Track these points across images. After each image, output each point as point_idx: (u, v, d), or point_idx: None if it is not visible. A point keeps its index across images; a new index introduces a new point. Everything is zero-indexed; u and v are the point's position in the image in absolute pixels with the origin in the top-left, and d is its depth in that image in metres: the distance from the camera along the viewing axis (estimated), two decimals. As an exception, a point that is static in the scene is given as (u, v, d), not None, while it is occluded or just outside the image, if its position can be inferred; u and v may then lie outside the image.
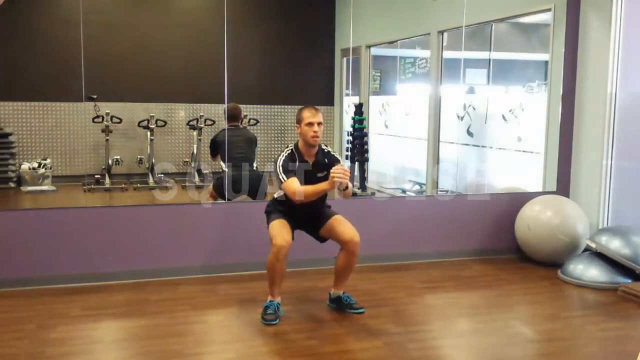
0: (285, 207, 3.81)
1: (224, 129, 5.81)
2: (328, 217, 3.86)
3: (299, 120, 3.78)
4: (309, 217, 3.84)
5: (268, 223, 3.82)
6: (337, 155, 3.90)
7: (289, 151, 3.81)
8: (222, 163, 5.65)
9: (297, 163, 3.77)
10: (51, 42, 7.62)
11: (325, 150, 3.88)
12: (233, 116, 5.87)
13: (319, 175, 3.77)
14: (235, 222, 4.81)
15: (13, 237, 4.35)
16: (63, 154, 7.71)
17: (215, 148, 5.83)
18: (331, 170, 3.58)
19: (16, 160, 7.49)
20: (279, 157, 3.78)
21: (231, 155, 5.60)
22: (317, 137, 3.73)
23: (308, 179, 3.73)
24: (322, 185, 3.65)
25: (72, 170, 7.66)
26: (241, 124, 6.09)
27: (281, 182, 3.72)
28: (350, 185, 3.71)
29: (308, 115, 3.73)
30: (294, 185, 3.65)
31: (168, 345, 3.43)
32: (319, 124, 3.73)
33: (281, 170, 3.72)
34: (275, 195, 3.89)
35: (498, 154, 6.59)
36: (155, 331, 3.65)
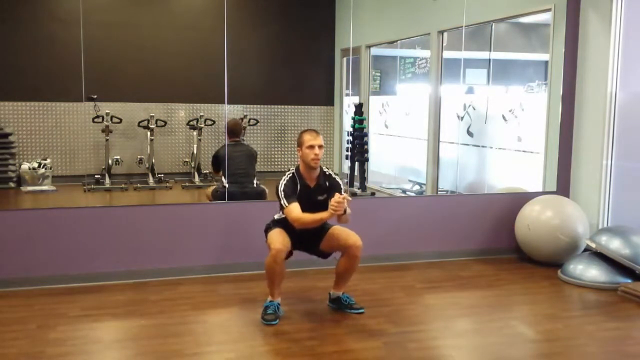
0: (285, 228, 3.80)
1: (227, 144, 5.81)
2: (326, 230, 3.88)
3: (299, 144, 3.78)
4: (308, 236, 3.84)
5: (267, 235, 3.83)
6: (338, 178, 3.90)
7: (291, 175, 3.82)
8: (223, 178, 5.66)
9: (299, 187, 3.78)
10: (51, 42, 7.63)
11: (327, 173, 3.89)
12: (234, 132, 5.90)
13: (320, 198, 3.79)
14: (236, 222, 4.81)
15: (13, 237, 4.35)
16: (63, 154, 7.71)
17: (218, 163, 5.85)
18: (330, 202, 3.59)
19: (16, 160, 7.49)
20: (281, 181, 3.79)
21: (232, 171, 5.61)
22: (318, 159, 3.75)
23: (309, 202, 3.74)
24: (321, 215, 3.66)
25: (72, 170, 7.66)
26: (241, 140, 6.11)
27: (282, 207, 3.73)
28: (348, 210, 3.70)
29: (309, 138, 3.74)
30: (295, 212, 3.66)
31: (168, 345, 3.43)
32: (320, 146, 3.74)
33: (282, 195, 3.73)
34: (275, 217, 3.90)
35: (498, 154, 6.59)
36: (155, 331, 3.65)
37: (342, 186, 3.86)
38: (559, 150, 5.51)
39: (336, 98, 8.52)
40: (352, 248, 3.76)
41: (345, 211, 3.64)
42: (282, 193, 3.73)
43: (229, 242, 4.77)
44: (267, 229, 3.87)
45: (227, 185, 5.49)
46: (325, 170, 3.89)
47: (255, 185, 5.74)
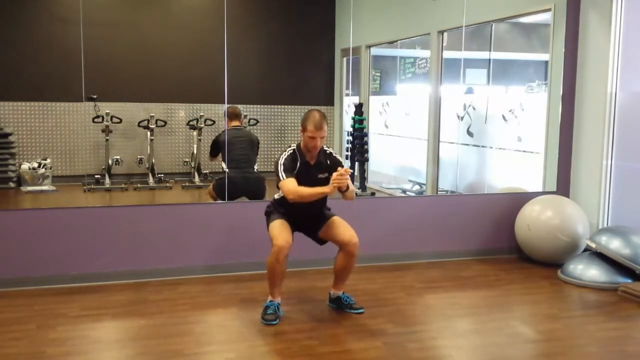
0: (285, 208, 3.81)
1: (228, 129, 5.79)
2: (326, 219, 3.87)
3: (303, 128, 3.76)
4: (308, 218, 3.85)
5: (268, 223, 3.82)
6: (338, 156, 3.89)
7: (291, 151, 3.82)
8: (222, 163, 5.64)
9: (299, 163, 3.77)
10: (51, 42, 7.63)
11: (327, 152, 3.88)
12: (234, 114, 5.85)
13: (320, 176, 3.78)
14: (235, 222, 4.81)
15: (13, 237, 4.35)
16: (63, 154, 7.71)
17: (217, 148, 5.82)
18: (333, 175, 3.59)
19: (16, 160, 7.49)
20: (281, 156, 3.79)
21: (232, 157, 5.59)
22: (317, 148, 3.75)
23: (309, 180, 3.73)
24: (322, 189, 3.65)
25: (72, 170, 7.66)
26: (241, 123, 6.08)
27: (279, 180, 3.73)
28: (351, 186, 3.70)
29: (312, 129, 3.69)
30: (290, 185, 3.66)
31: (168, 345, 3.43)
32: (322, 138, 3.73)
33: (282, 169, 3.73)
34: (276, 196, 3.90)
35: (498, 153, 6.59)
36: (155, 331, 3.65)
37: (343, 164, 3.82)
38: (559, 150, 5.51)
39: (336, 98, 8.51)
40: (349, 245, 3.75)
41: (347, 187, 3.63)
42: (282, 167, 3.73)
43: (229, 242, 4.77)
44: (269, 213, 3.87)
45: (227, 170, 5.46)
46: (326, 148, 3.89)
47: (255, 170, 5.71)
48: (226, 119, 5.86)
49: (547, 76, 5.75)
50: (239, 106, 6.19)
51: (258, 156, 6.00)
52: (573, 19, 5.37)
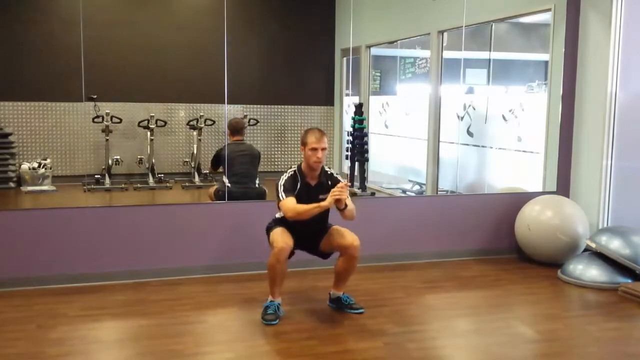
0: (286, 226, 3.81)
1: (229, 143, 5.78)
2: (326, 230, 3.88)
3: (303, 143, 3.77)
4: (309, 235, 3.85)
5: (269, 235, 3.83)
6: (340, 177, 3.89)
7: (292, 172, 3.82)
8: (224, 177, 5.63)
9: (299, 184, 3.78)
10: (51, 42, 7.63)
11: (329, 172, 3.89)
12: (237, 129, 5.83)
13: (321, 197, 3.77)
14: (236, 222, 4.81)
15: (13, 237, 4.35)
16: (63, 154, 7.71)
17: (218, 162, 5.81)
18: (332, 190, 3.60)
19: (16, 160, 7.48)
20: (282, 177, 3.80)
21: (233, 171, 5.58)
22: (320, 162, 3.75)
23: (310, 200, 3.73)
24: (319, 204, 3.65)
25: (72, 170, 7.66)
26: (243, 137, 6.07)
27: (279, 200, 3.73)
28: (350, 205, 3.70)
29: (313, 140, 3.72)
30: (289, 204, 3.67)
31: (168, 345, 3.43)
32: (323, 149, 3.74)
33: (281, 190, 3.74)
34: (277, 215, 3.90)
35: (498, 154, 6.59)
36: (155, 331, 3.65)
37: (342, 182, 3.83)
38: (559, 150, 5.51)
39: (336, 98, 8.52)
40: (350, 248, 3.75)
41: (346, 205, 3.63)
42: (282, 187, 3.74)
43: (229, 242, 4.77)
44: (269, 229, 3.87)
45: (229, 185, 5.47)
46: (327, 169, 3.90)
47: (257, 185, 5.72)
48: (228, 132, 5.83)
49: (547, 76, 5.75)
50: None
51: (260, 157, 6.00)
52: (573, 19, 5.37)
